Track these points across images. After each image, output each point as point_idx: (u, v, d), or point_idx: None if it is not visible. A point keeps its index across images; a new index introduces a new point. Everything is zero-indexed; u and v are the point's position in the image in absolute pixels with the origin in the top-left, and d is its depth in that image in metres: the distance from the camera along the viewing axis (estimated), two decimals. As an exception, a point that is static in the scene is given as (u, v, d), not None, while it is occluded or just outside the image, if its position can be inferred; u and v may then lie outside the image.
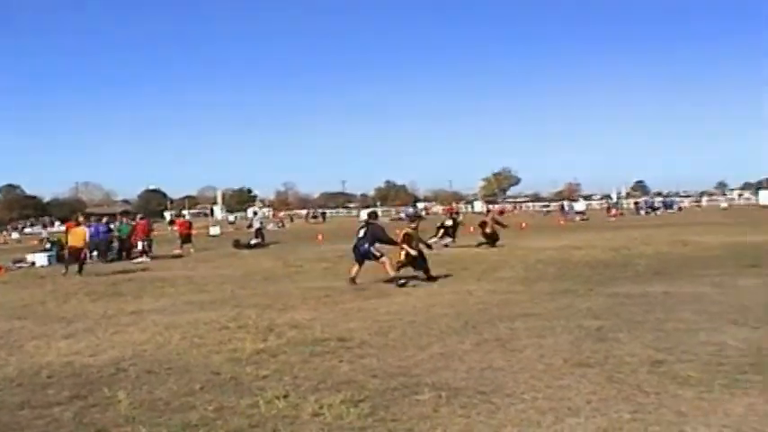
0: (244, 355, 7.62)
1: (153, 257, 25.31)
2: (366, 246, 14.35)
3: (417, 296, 11.98)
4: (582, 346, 7.31)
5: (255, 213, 42.66)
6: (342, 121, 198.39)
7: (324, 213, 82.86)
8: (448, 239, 24.70)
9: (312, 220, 74.52)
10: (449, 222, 25.73)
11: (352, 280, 14.03)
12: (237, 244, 29.89)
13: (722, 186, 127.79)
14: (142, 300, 13.18)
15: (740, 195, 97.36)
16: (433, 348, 7.56)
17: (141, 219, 28.24)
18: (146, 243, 26.16)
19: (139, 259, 24.65)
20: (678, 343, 7.29)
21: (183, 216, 36.98)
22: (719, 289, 11.28)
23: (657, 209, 61.87)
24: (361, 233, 14.54)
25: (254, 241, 30.40)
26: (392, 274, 13.87)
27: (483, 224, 24.50)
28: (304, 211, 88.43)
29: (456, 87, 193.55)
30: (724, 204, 77.10)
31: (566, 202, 56.37)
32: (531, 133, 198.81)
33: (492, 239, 23.59)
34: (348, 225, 54.64)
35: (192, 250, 28.09)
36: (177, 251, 27.64)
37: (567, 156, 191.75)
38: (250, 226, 34.56)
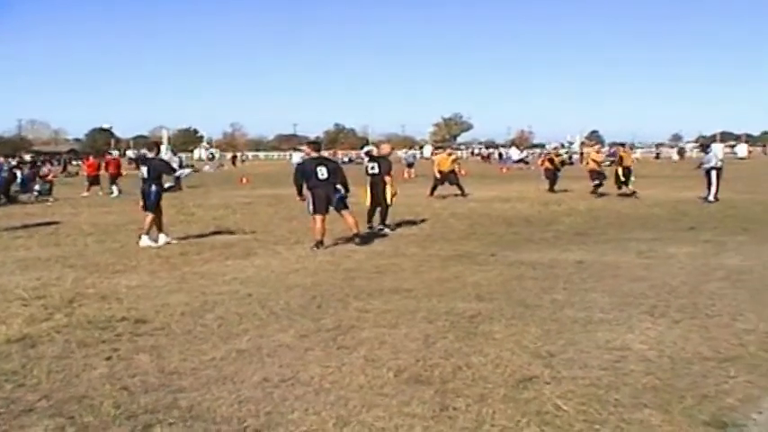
0: (-3, 342, 5.73)
1: (56, 199, 23.31)
2: (339, 191, 11.26)
3: (284, 258, 10.14)
4: (435, 346, 5.54)
5: (176, 154, 39.60)
6: (293, 62, 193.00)
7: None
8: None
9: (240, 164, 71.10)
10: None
11: (320, 243, 10.89)
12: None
13: (677, 139, 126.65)
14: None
15: (693, 149, 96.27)
16: (242, 341, 5.74)
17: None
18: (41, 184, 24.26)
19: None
20: (568, 344, 5.50)
21: (110, 154, 34.30)
22: (646, 260, 9.53)
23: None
24: (324, 172, 11.09)
25: (167, 185, 28.09)
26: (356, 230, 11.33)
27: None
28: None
29: (409, 30, 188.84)
30: (675, 157, 75.83)
31: (502, 149, 55.73)
32: (486, 79, 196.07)
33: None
34: (289, 169, 52.03)
35: (99, 192, 26.05)
36: (86, 193, 26.05)
37: (521, 103, 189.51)
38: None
